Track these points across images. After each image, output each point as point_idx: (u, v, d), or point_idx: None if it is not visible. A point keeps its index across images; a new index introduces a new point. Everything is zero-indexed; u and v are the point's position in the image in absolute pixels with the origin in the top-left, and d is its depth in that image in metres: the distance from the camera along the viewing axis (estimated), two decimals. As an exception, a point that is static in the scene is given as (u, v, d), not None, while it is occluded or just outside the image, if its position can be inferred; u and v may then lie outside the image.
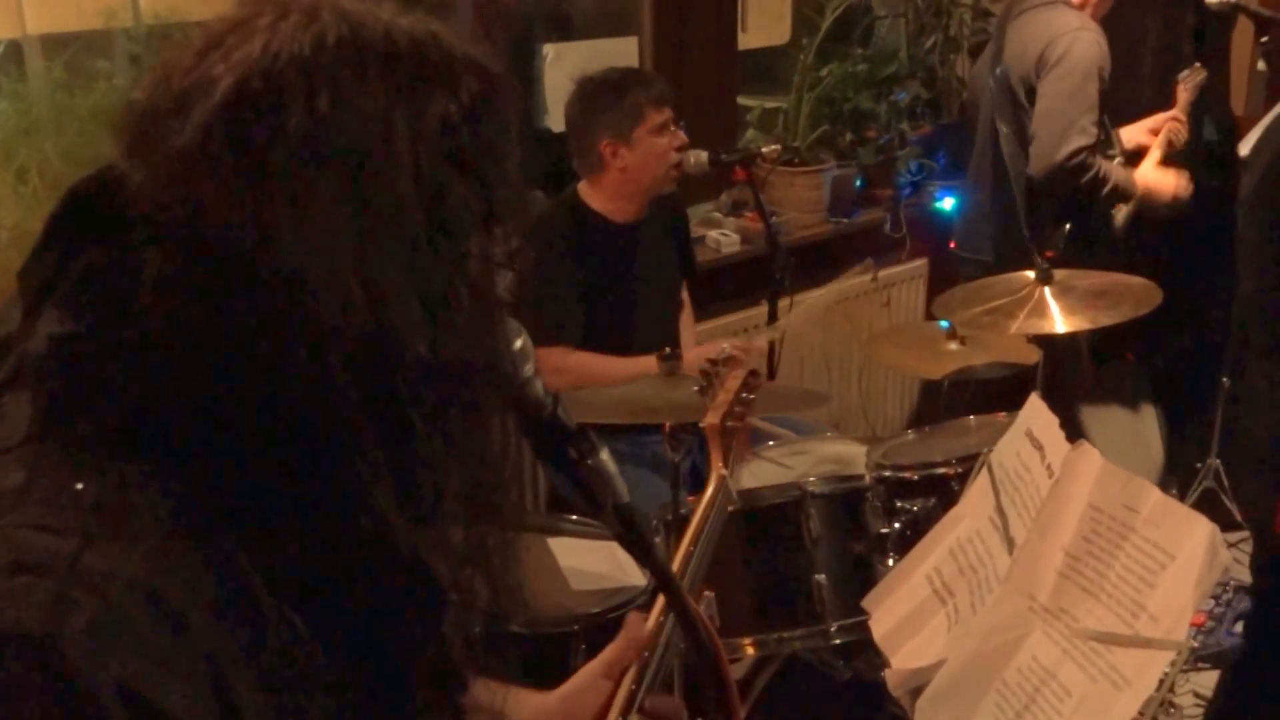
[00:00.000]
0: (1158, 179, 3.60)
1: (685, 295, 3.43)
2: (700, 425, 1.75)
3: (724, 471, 1.66)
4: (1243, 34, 4.45)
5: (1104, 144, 3.58)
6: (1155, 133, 3.72)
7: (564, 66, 3.55)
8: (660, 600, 1.34)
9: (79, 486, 0.80)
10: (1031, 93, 3.48)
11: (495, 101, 0.89)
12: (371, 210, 0.82)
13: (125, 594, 0.76)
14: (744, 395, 1.79)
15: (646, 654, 1.29)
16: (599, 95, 3.08)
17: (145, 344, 0.81)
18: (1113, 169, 3.49)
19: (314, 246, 0.80)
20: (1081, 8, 3.52)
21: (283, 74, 0.81)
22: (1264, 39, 3.70)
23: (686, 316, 3.42)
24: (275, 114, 0.80)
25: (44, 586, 0.75)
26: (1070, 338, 2.83)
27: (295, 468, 0.83)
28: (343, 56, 0.83)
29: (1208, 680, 2.86)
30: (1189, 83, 3.79)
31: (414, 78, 0.85)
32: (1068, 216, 3.52)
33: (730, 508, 1.66)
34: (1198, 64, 3.84)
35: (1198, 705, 2.89)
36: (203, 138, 0.80)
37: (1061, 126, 3.39)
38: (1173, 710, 2.73)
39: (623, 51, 3.83)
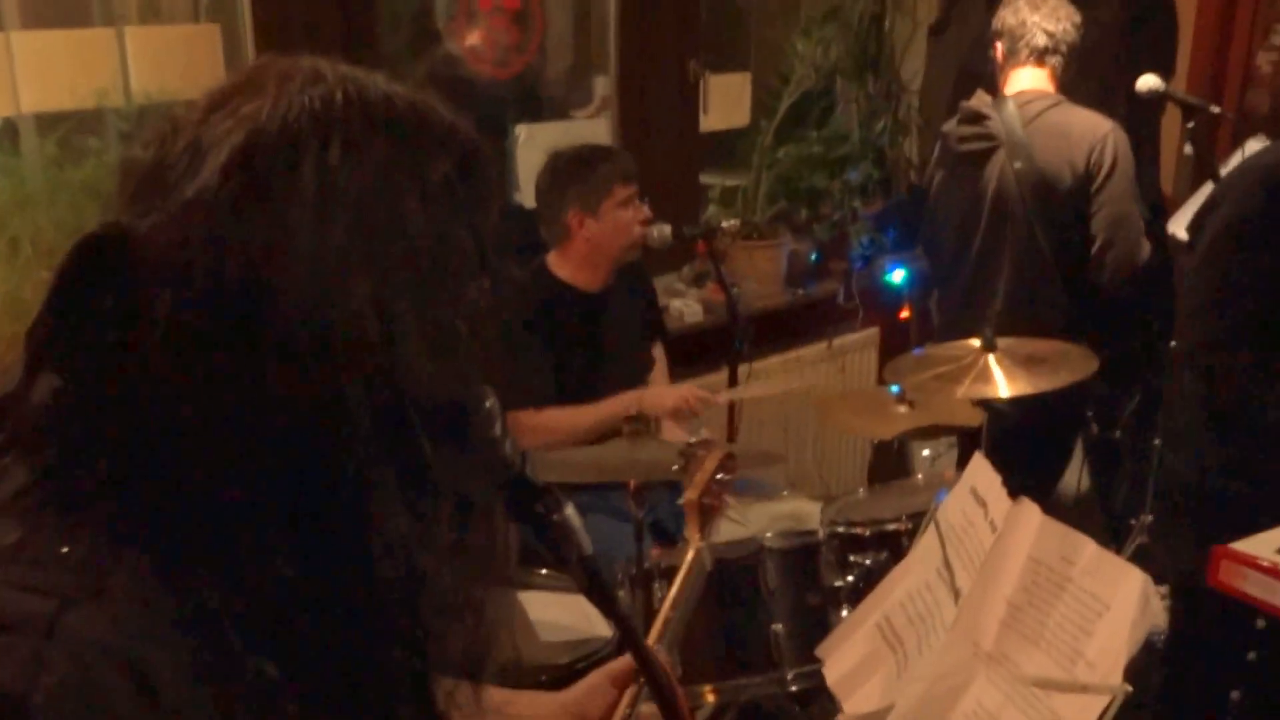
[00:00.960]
0: None
1: (660, 353, 3.43)
2: (680, 503, 1.79)
3: (700, 545, 1.68)
4: (1171, 119, 4.52)
5: None
6: None
7: (535, 146, 3.57)
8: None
9: (64, 550, 0.78)
10: (1083, 199, 3.40)
11: (481, 161, 0.91)
12: (382, 253, 0.82)
13: (98, 657, 0.74)
14: (720, 476, 1.82)
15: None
16: (569, 168, 3.09)
17: (149, 389, 0.80)
18: None
19: (331, 284, 0.80)
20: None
21: (296, 127, 0.82)
22: (1190, 124, 3.75)
23: (660, 374, 3.42)
24: (290, 163, 0.81)
25: (22, 646, 0.73)
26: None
27: (310, 504, 0.82)
28: (351, 113, 0.84)
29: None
30: None
31: (414, 136, 0.86)
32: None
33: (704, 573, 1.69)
34: None
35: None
36: (220, 184, 0.80)
37: (1138, 231, 3.37)
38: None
39: (591, 132, 3.85)
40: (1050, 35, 3.44)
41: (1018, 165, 3.44)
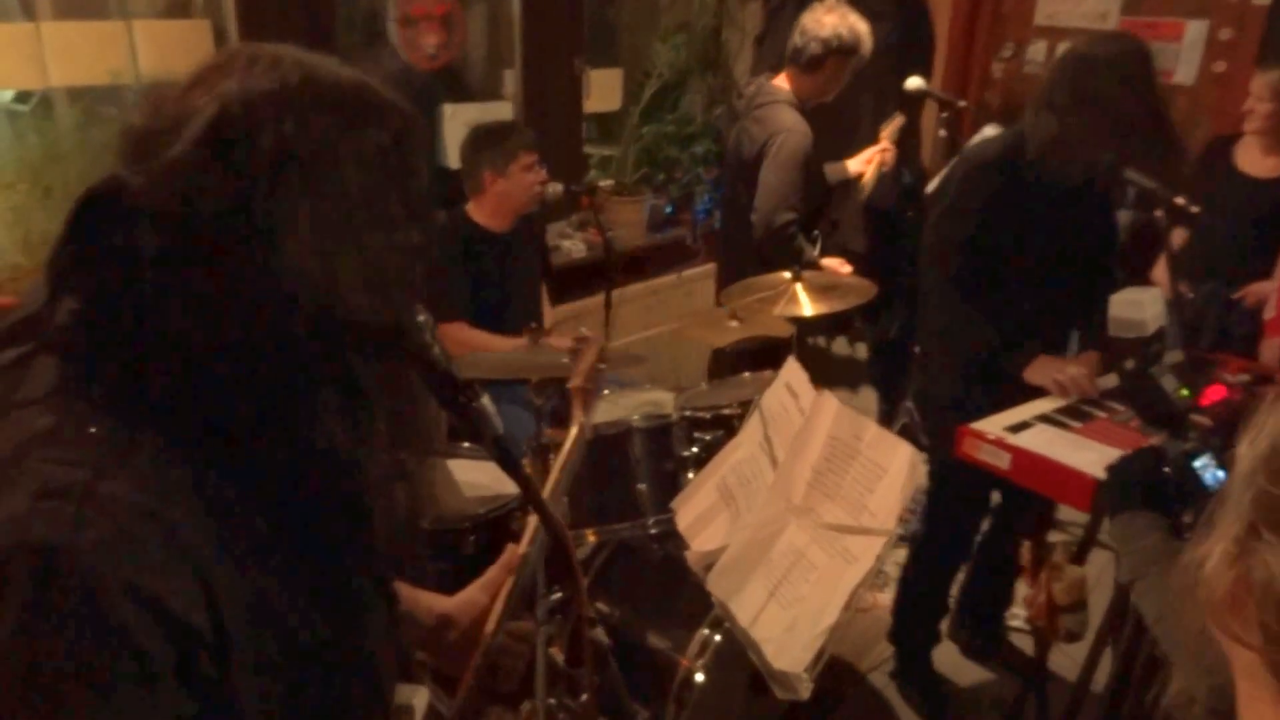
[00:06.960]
0: (834, 263, 3.46)
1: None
2: (568, 386, 1.74)
3: (583, 419, 1.64)
4: (930, 110, 4.57)
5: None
6: (870, 161, 3.71)
7: (458, 121, 3.50)
8: (532, 526, 1.31)
9: (92, 430, 0.75)
10: (757, 170, 3.27)
11: (411, 132, 0.86)
12: (325, 207, 0.78)
13: (129, 513, 0.72)
14: (599, 366, 1.80)
15: (515, 578, 1.26)
16: (485, 139, 3.04)
17: (145, 312, 0.76)
18: (806, 247, 3.37)
19: (284, 230, 0.76)
20: (795, 103, 3.33)
21: (257, 104, 0.78)
22: (944, 114, 3.78)
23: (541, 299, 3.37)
24: (251, 133, 0.77)
25: (65, 508, 0.70)
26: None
27: (265, 400, 0.79)
28: (303, 94, 0.79)
29: (905, 554, 2.95)
30: (891, 127, 3.75)
31: (355, 112, 0.82)
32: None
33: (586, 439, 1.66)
34: (898, 112, 3.80)
35: (896, 568, 2.98)
36: (195, 148, 0.76)
37: (776, 203, 3.24)
38: (880, 575, 2.80)
39: (501, 112, 3.79)
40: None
41: (730, 145, 3.40)
